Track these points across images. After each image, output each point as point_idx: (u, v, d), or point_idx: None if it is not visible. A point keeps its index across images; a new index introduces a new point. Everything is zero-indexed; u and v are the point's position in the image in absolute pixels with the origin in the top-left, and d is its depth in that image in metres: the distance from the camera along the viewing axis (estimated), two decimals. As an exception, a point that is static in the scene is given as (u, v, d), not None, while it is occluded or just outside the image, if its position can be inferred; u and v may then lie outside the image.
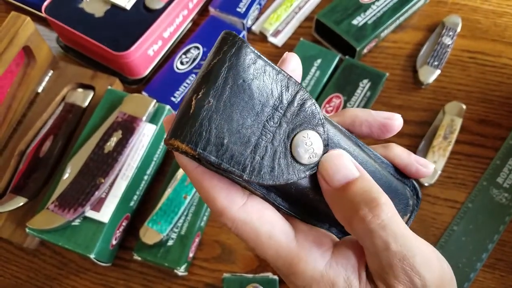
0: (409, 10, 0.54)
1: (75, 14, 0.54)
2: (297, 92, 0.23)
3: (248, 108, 0.22)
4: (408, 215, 0.27)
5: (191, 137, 0.20)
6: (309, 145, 0.23)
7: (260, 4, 0.58)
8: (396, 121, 0.26)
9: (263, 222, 0.22)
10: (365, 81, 0.51)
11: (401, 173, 0.27)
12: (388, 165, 0.27)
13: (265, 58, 0.22)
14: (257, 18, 0.58)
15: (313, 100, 0.23)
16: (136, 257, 0.44)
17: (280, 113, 0.22)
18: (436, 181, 0.47)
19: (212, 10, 0.57)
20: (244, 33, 0.56)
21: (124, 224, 0.46)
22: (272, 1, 0.59)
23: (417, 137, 0.49)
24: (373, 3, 0.54)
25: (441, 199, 0.46)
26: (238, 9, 0.56)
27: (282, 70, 0.23)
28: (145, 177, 0.47)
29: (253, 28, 0.57)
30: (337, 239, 0.25)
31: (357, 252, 0.24)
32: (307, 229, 0.24)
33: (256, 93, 0.22)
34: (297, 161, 0.23)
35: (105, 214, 0.44)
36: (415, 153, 0.49)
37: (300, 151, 0.22)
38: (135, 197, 0.47)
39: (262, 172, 0.22)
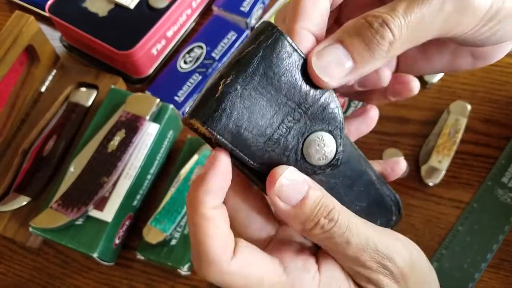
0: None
1: (79, 13, 0.54)
2: (324, 92, 0.22)
3: (273, 101, 0.21)
4: (389, 226, 0.28)
5: (212, 121, 0.20)
6: (321, 147, 0.23)
7: (263, 3, 0.57)
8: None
9: (254, 267, 0.22)
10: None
11: (390, 189, 0.28)
12: (382, 182, 0.28)
13: (301, 52, 0.22)
14: (260, 17, 0.58)
15: (338, 104, 0.23)
16: (139, 256, 0.44)
17: (302, 110, 0.22)
18: (441, 181, 0.46)
19: (215, 9, 0.57)
20: (248, 32, 0.56)
21: (127, 223, 0.46)
22: (275, 0, 0.59)
23: (421, 136, 0.49)
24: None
25: (445, 199, 0.46)
26: (241, 8, 0.56)
27: None
28: (149, 176, 0.47)
29: (257, 27, 0.57)
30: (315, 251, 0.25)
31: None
32: (293, 255, 0.24)
33: (283, 87, 0.22)
34: (305, 160, 0.23)
35: (108, 213, 0.44)
36: (419, 153, 0.49)
37: (311, 150, 0.22)
38: (138, 196, 0.46)
39: (270, 164, 0.22)
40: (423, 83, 0.51)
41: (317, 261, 0.24)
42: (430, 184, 0.46)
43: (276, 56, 0.21)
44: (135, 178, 0.46)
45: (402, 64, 0.30)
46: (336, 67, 0.21)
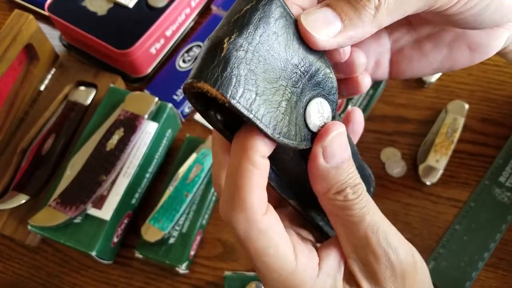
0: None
1: (78, 12, 0.54)
2: (319, 57, 0.22)
3: (276, 63, 0.20)
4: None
5: (222, 82, 0.18)
6: (321, 113, 0.22)
7: (262, 3, 0.57)
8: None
9: (277, 233, 0.22)
10: (367, 79, 0.51)
11: (364, 163, 0.29)
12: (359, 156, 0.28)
13: (293, 15, 0.21)
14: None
15: (331, 69, 0.23)
16: (138, 254, 0.44)
17: (302, 73, 0.21)
18: (439, 180, 0.46)
19: (214, 9, 0.57)
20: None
21: (125, 221, 0.46)
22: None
23: (419, 135, 0.49)
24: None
25: (443, 198, 0.46)
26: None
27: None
28: (147, 175, 0.48)
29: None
30: (316, 244, 0.25)
31: (339, 258, 0.24)
32: (301, 241, 0.24)
33: (283, 48, 0.21)
34: (307, 127, 0.22)
35: (106, 212, 0.44)
36: (417, 152, 0.49)
37: (314, 117, 0.22)
38: (136, 195, 0.47)
39: (284, 131, 0.20)
40: (421, 82, 0.51)
41: (320, 258, 0.24)
42: (428, 183, 0.46)
43: (274, 15, 0.20)
44: (134, 176, 0.46)
45: (396, 68, 0.30)
46: (325, 25, 0.21)
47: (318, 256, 0.24)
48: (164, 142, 0.49)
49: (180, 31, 0.57)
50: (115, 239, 0.45)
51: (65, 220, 0.43)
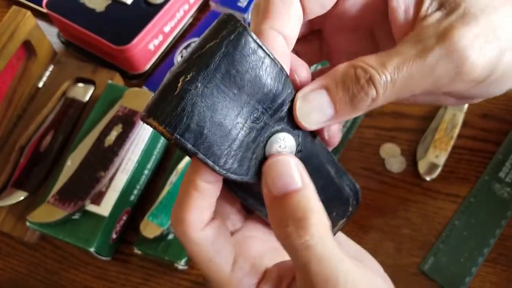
0: None
1: (76, 9, 0.54)
2: (285, 91, 0.22)
3: (235, 100, 0.20)
4: (345, 219, 0.28)
5: (171, 120, 0.19)
6: (283, 148, 0.22)
7: (261, -1, 0.57)
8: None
9: (211, 247, 0.23)
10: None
11: (351, 180, 0.28)
12: (343, 172, 0.27)
13: (266, 49, 0.21)
14: (258, 13, 0.58)
15: None
16: (137, 251, 0.44)
17: (265, 110, 0.21)
18: (438, 175, 0.46)
19: (213, 5, 0.57)
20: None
21: (124, 218, 0.46)
22: (273, -5, 0.58)
23: (419, 131, 0.49)
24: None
25: (442, 193, 0.46)
26: (239, 4, 0.55)
27: (281, 65, 0.21)
28: (146, 171, 0.47)
29: (254, 22, 0.57)
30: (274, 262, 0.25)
31: (287, 280, 0.23)
32: (247, 256, 0.24)
33: (246, 86, 0.20)
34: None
35: (105, 208, 0.44)
36: (416, 148, 0.49)
37: (273, 152, 0.22)
38: (135, 191, 0.46)
39: (234, 167, 0.21)
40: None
41: (263, 277, 0.24)
42: (427, 179, 0.46)
43: (239, 52, 0.20)
44: (132, 172, 0.46)
45: None
46: (318, 113, 0.22)
47: (264, 274, 0.24)
48: (163, 138, 0.49)
49: (179, 28, 0.57)
50: (114, 236, 0.45)
51: (64, 217, 0.43)
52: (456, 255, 0.43)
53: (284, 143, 0.22)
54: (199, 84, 0.19)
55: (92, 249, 0.43)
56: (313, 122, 0.22)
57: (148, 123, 0.19)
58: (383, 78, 0.21)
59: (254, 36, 0.20)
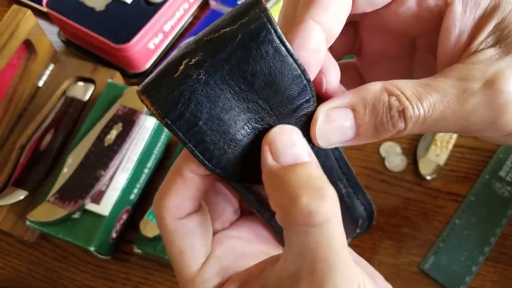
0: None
1: (76, 8, 0.54)
2: (302, 99, 0.19)
3: (242, 96, 0.18)
4: (349, 239, 0.26)
5: (164, 103, 0.17)
6: None
7: (261, -3, 0.57)
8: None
9: (182, 241, 0.22)
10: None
11: (367, 198, 0.25)
12: (359, 191, 0.25)
13: (289, 47, 0.18)
14: (258, 12, 0.58)
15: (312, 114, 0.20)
16: (137, 250, 0.44)
17: (274, 113, 0.19)
18: (439, 174, 0.46)
19: (213, 3, 0.57)
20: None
21: (124, 217, 0.46)
22: (273, -6, 0.58)
23: (419, 130, 0.49)
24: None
25: (443, 192, 0.46)
26: (238, 2, 0.55)
27: (303, 69, 0.19)
28: (146, 170, 0.47)
29: (254, 21, 0.57)
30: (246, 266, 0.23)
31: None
32: (222, 262, 0.23)
33: (257, 83, 0.18)
34: None
35: (105, 207, 0.44)
36: (417, 146, 0.49)
37: None
38: (135, 190, 0.46)
39: (227, 169, 0.19)
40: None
41: (225, 282, 0.22)
42: (428, 177, 0.46)
43: (256, 45, 0.17)
44: (132, 171, 0.46)
45: None
46: (338, 135, 0.20)
47: (227, 279, 0.22)
48: (163, 137, 0.49)
49: (179, 26, 0.57)
50: (114, 235, 0.45)
51: (64, 215, 0.43)
52: (456, 254, 0.43)
53: None
54: (203, 72, 0.17)
55: (92, 248, 0.43)
56: (330, 142, 0.20)
57: (141, 100, 0.18)
58: (415, 113, 0.19)
59: (279, 30, 0.18)
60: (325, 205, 0.18)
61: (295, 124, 0.20)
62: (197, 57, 0.17)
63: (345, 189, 0.24)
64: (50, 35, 0.55)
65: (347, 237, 0.25)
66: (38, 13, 0.57)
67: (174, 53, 0.18)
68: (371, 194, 0.46)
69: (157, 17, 0.52)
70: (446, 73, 0.20)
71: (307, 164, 0.19)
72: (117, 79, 0.53)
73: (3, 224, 0.46)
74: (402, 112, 0.19)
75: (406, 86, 0.20)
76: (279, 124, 0.20)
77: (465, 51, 0.21)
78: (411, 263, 0.43)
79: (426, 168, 0.46)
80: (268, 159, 0.19)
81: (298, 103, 0.19)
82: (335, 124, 0.20)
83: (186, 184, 0.21)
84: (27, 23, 0.50)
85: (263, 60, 0.18)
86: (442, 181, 0.46)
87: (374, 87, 0.20)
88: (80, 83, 0.53)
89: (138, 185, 0.47)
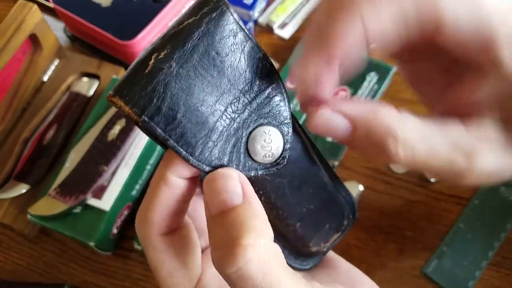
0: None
1: (82, 4, 0.54)
2: (271, 83, 0.20)
3: (214, 85, 0.18)
4: (340, 233, 0.26)
5: (139, 101, 0.17)
6: (268, 143, 0.20)
7: (267, -3, 0.57)
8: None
9: (177, 259, 0.20)
10: (372, 74, 0.50)
11: (346, 190, 0.25)
12: (338, 183, 0.25)
13: (248, 32, 0.19)
14: (263, 10, 0.57)
15: (285, 97, 0.20)
16: (137, 246, 0.44)
17: (247, 99, 0.19)
18: (443, 177, 0.46)
19: (219, 2, 0.57)
20: (251, 24, 0.55)
21: (125, 213, 0.45)
22: (280, -7, 0.58)
23: (424, 132, 0.48)
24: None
25: (447, 195, 0.45)
26: (245, 1, 0.55)
27: (264, 52, 0.20)
28: (148, 167, 0.47)
29: (260, 20, 0.57)
30: None
31: None
32: (213, 281, 0.21)
33: (227, 70, 0.19)
34: (250, 157, 0.20)
35: (106, 202, 0.44)
36: (421, 149, 0.48)
37: (257, 146, 0.20)
38: (137, 186, 0.46)
39: (211, 160, 0.19)
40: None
41: None
42: (432, 180, 0.46)
43: (220, 33, 0.18)
44: (135, 167, 0.46)
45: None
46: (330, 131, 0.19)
47: None
48: (166, 134, 0.49)
49: (185, 24, 0.57)
50: (114, 230, 0.45)
51: (65, 210, 0.43)
52: (460, 258, 0.42)
53: (269, 137, 0.20)
54: (174, 64, 0.18)
55: (92, 243, 0.43)
56: (322, 132, 0.20)
57: (113, 103, 0.17)
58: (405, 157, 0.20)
59: (237, 16, 0.19)
60: (239, 258, 0.17)
61: (267, 104, 0.20)
62: (166, 50, 0.18)
63: (327, 177, 0.24)
64: (56, 30, 0.55)
65: (336, 231, 0.25)
66: (44, 8, 0.57)
67: (141, 53, 0.18)
68: (375, 195, 0.46)
69: (163, 14, 0.52)
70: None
71: (234, 210, 0.18)
72: (122, 75, 0.53)
73: (4, 218, 0.46)
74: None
75: (411, 133, 0.19)
76: (254, 114, 0.20)
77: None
78: (414, 266, 0.43)
79: (431, 171, 0.46)
80: (204, 209, 0.19)
81: (269, 89, 0.20)
82: (332, 123, 0.19)
83: (171, 192, 0.19)
84: (33, 17, 0.50)
85: (227, 45, 0.18)
86: (446, 184, 0.46)
87: (383, 120, 0.19)
88: (85, 79, 0.53)
89: (140, 181, 0.47)
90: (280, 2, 0.57)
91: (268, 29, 0.56)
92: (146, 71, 0.17)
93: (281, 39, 0.56)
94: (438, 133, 0.20)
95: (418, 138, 0.19)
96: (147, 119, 0.17)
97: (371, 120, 0.19)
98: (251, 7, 0.55)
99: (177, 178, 0.19)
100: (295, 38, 0.55)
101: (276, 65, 0.54)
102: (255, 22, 0.57)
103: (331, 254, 0.26)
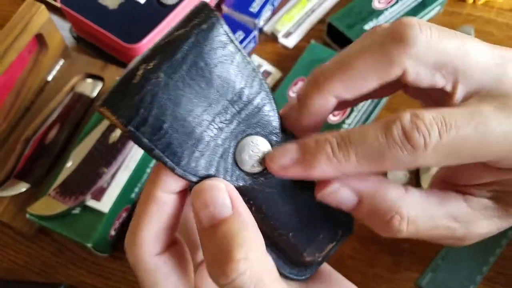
0: (422, 18, 0.54)
1: (89, 5, 0.54)
2: (259, 93, 0.20)
3: (202, 95, 0.19)
4: (334, 243, 0.25)
5: (125, 111, 0.17)
6: (256, 153, 0.20)
7: (273, 5, 0.58)
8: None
9: (163, 279, 0.20)
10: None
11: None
12: None
13: (238, 45, 0.19)
14: (269, 19, 0.58)
15: (274, 106, 0.21)
16: (134, 249, 0.44)
17: (235, 109, 0.20)
18: (440, 191, 0.46)
19: (225, 9, 0.57)
20: (256, 33, 0.56)
21: (124, 215, 0.46)
22: (285, 2, 0.59)
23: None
24: (386, 9, 0.54)
25: (444, 209, 0.46)
26: (251, 9, 0.56)
27: (252, 63, 0.20)
28: (148, 170, 0.47)
29: (265, 28, 0.57)
30: None
31: None
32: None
33: (216, 81, 0.19)
34: (238, 167, 0.20)
35: (105, 204, 0.44)
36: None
37: (244, 156, 0.20)
38: (136, 189, 0.47)
39: (197, 170, 0.19)
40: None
41: None
42: (430, 193, 0.46)
43: (210, 44, 0.18)
44: (134, 171, 0.46)
45: None
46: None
47: None
48: (167, 138, 0.49)
49: (190, 29, 0.57)
50: (112, 232, 0.45)
51: (64, 210, 0.43)
52: (454, 272, 0.42)
53: (257, 147, 0.20)
54: (162, 74, 0.18)
55: (89, 244, 0.43)
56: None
57: (101, 113, 0.18)
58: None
59: (227, 29, 0.19)
60: (232, 271, 0.17)
61: (255, 114, 0.20)
62: (155, 61, 0.18)
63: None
64: (62, 31, 0.56)
65: (330, 241, 0.25)
66: (51, 8, 0.58)
67: (131, 63, 0.19)
68: (372, 207, 0.46)
69: (169, 19, 0.52)
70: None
71: (224, 223, 0.18)
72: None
73: (3, 216, 0.47)
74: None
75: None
76: (242, 124, 0.20)
77: None
78: (408, 278, 0.43)
79: (429, 183, 0.46)
80: (197, 222, 0.19)
81: (258, 100, 0.20)
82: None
83: (161, 209, 0.19)
84: (40, 17, 0.51)
85: (216, 56, 0.19)
86: (443, 198, 0.46)
87: (389, 196, 0.21)
88: (89, 80, 0.53)
89: (139, 184, 0.47)
90: (286, 11, 0.58)
91: (273, 37, 0.57)
92: (134, 81, 0.17)
93: (285, 48, 0.56)
94: (440, 207, 0.21)
95: (422, 214, 0.21)
96: (133, 129, 0.18)
97: (378, 196, 0.20)
98: (257, 15, 0.55)
99: (165, 194, 0.19)
100: (299, 47, 0.56)
101: (279, 73, 0.54)
102: (260, 30, 0.57)
103: (325, 266, 0.27)
